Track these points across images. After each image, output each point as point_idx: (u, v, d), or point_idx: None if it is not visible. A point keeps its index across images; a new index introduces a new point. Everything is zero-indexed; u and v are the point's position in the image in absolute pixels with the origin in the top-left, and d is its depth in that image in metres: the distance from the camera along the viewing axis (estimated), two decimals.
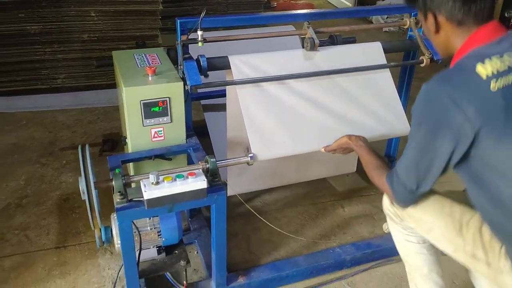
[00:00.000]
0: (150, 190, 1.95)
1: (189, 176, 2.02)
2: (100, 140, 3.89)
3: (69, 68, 4.77)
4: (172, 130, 2.48)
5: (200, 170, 2.10)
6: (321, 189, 3.38)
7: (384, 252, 2.69)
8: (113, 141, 3.86)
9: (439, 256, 2.04)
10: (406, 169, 1.71)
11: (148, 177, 1.98)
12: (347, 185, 3.43)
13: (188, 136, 2.55)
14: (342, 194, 3.34)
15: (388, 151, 3.32)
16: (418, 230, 1.93)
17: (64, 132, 4.08)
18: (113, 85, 2.68)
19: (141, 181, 2.00)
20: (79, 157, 2.02)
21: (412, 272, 2.10)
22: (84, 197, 1.99)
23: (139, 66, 2.56)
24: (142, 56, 2.69)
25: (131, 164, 2.50)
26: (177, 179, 2.00)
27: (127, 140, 2.52)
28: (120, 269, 2.53)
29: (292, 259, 2.60)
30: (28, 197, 3.19)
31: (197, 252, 2.71)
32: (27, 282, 2.49)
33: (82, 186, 2.00)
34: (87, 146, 2.06)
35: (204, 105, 3.22)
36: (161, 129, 2.45)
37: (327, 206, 3.21)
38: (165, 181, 1.98)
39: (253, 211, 2.82)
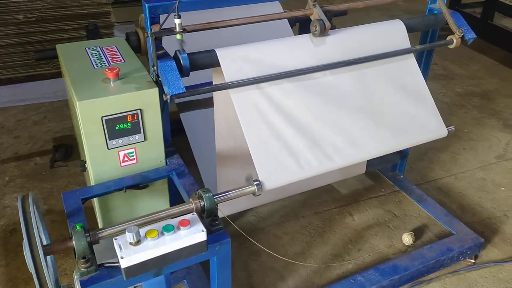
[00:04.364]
0: (129, 255, 1.38)
1: (181, 227, 1.46)
2: (51, 147, 3.22)
3: (4, 56, 3.98)
4: (147, 150, 1.88)
5: (194, 214, 1.53)
6: (322, 193, 2.87)
7: (412, 274, 2.25)
8: (67, 147, 3.20)
9: None
10: None
11: (124, 233, 1.41)
12: (351, 186, 2.95)
13: (167, 154, 1.96)
14: (346, 198, 2.86)
15: None
16: None
17: (4, 138, 3.36)
18: (59, 74, 2.11)
19: (114, 240, 1.42)
20: (19, 212, 1.40)
21: None
22: (31, 268, 1.39)
23: (96, 66, 1.92)
24: (97, 50, 2.04)
25: (95, 199, 1.89)
26: (165, 233, 1.44)
27: (86, 166, 1.90)
28: None
29: None
30: None
31: None
32: None
33: (26, 252, 1.39)
34: (30, 195, 1.44)
35: (178, 103, 2.60)
36: (132, 150, 1.85)
37: (333, 215, 2.73)
38: (148, 238, 1.41)
39: (247, 237, 2.26)
